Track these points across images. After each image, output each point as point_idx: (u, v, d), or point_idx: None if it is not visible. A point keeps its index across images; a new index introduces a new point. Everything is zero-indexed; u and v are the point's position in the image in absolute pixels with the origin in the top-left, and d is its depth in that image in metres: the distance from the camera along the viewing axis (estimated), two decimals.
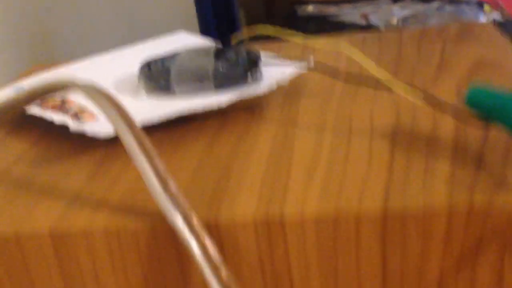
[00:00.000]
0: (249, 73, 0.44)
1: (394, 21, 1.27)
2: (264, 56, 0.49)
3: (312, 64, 0.48)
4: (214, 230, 0.32)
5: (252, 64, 0.44)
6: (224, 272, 0.28)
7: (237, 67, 0.44)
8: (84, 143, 0.42)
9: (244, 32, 0.48)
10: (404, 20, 1.28)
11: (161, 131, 0.42)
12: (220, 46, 0.47)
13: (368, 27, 1.28)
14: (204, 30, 1.03)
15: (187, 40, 0.56)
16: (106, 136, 0.40)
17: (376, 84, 0.46)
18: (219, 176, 0.36)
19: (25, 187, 0.37)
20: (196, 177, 0.36)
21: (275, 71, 0.46)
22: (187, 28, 1.33)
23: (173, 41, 0.57)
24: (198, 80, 0.44)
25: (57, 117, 0.42)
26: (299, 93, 0.47)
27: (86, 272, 0.33)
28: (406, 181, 0.33)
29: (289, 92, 0.47)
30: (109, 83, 0.49)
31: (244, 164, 0.37)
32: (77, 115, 0.42)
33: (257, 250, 0.32)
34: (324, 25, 1.36)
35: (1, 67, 0.69)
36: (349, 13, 1.36)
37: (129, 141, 0.32)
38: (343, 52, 0.53)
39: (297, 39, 0.46)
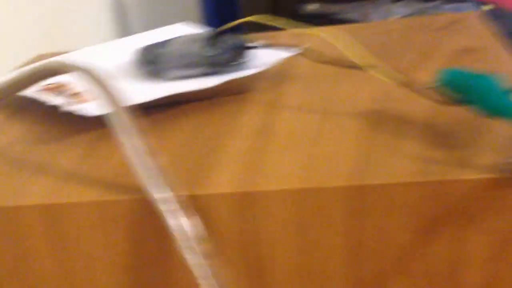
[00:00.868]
0: (237, 58, 0.46)
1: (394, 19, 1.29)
2: (255, 43, 0.51)
3: (303, 49, 0.49)
4: (194, 203, 0.34)
5: (241, 50, 0.46)
6: (201, 247, 0.31)
7: (226, 53, 0.46)
8: (78, 125, 0.44)
9: (236, 21, 0.50)
10: (404, 18, 1.29)
11: (157, 113, 0.44)
12: (210, 32, 0.49)
13: None
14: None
15: (186, 30, 0.58)
16: (91, 115, 0.42)
17: (359, 70, 0.48)
18: (203, 152, 0.38)
19: (21, 164, 0.39)
20: (181, 153, 0.38)
21: (264, 56, 0.48)
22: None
23: (172, 31, 0.59)
24: (188, 66, 0.46)
25: (50, 99, 0.44)
26: (286, 77, 0.49)
27: (73, 242, 0.35)
28: (373, 159, 0.34)
29: (277, 76, 0.49)
30: (109, 69, 0.51)
31: (227, 142, 0.39)
32: (70, 98, 0.44)
33: (235, 223, 0.34)
34: (326, 23, 1.38)
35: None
36: (350, 12, 1.38)
37: (116, 120, 0.34)
38: (334, 41, 0.54)
39: (287, 26, 0.48)
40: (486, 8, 1.36)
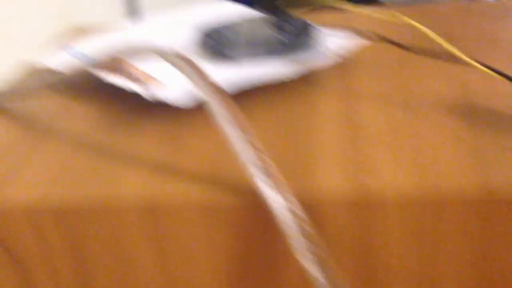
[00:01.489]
0: (310, 43, 0.45)
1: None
2: (323, 28, 0.50)
3: (373, 37, 0.48)
4: (305, 205, 0.33)
5: (312, 35, 0.45)
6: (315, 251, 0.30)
7: (298, 37, 0.45)
8: (149, 109, 0.43)
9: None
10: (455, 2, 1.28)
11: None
12: (276, 15, 0.48)
13: None
14: None
15: (232, 9, 0.57)
16: (188, 105, 0.41)
17: (436, 56, 0.47)
18: (299, 152, 0.37)
19: (106, 155, 0.38)
20: (276, 154, 0.37)
21: (336, 41, 0.47)
22: None
23: (220, 9, 0.57)
24: (261, 50, 0.44)
25: (129, 85, 0.42)
26: (357, 63, 0.48)
27: (184, 246, 0.34)
28: (492, 161, 0.34)
29: (346, 61, 0.48)
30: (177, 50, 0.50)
31: (320, 139, 0.38)
32: (143, 82, 0.43)
33: (350, 228, 0.33)
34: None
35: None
36: None
37: (222, 113, 0.32)
38: (397, 22, 0.53)
39: (352, 7, 0.47)
40: None
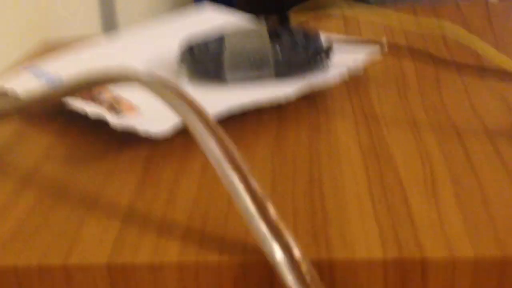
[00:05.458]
0: (317, 60, 0.37)
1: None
2: (330, 38, 0.42)
3: (385, 47, 0.41)
4: (327, 270, 0.25)
5: (320, 50, 0.37)
6: None
7: (302, 52, 0.37)
8: (120, 137, 0.35)
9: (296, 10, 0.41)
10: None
11: (227, 121, 0.35)
12: (273, 26, 0.40)
13: None
14: None
15: (218, 16, 0.49)
16: (163, 136, 0.33)
17: (471, 70, 0.39)
18: (311, 195, 0.29)
19: (65, 195, 0.30)
20: (282, 196, 0.29)
21: (345, 54, 0.39)
22: None
23: (204, 17, 0.49)
24: (255, 68, 0.37)
25: (92, 110, 0.34)
26: (365, 80, 0.40)
27: None
28: None
29: (352, 77, 0.40)
30: (143, 66, 0.42)
31: (337, 177, 0.30)
32: (113, 107, 0.35)
33: None
34: None
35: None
36: None
37: (215, 153, 0.25)
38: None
39: (365, 15, 0.39)
40: None
